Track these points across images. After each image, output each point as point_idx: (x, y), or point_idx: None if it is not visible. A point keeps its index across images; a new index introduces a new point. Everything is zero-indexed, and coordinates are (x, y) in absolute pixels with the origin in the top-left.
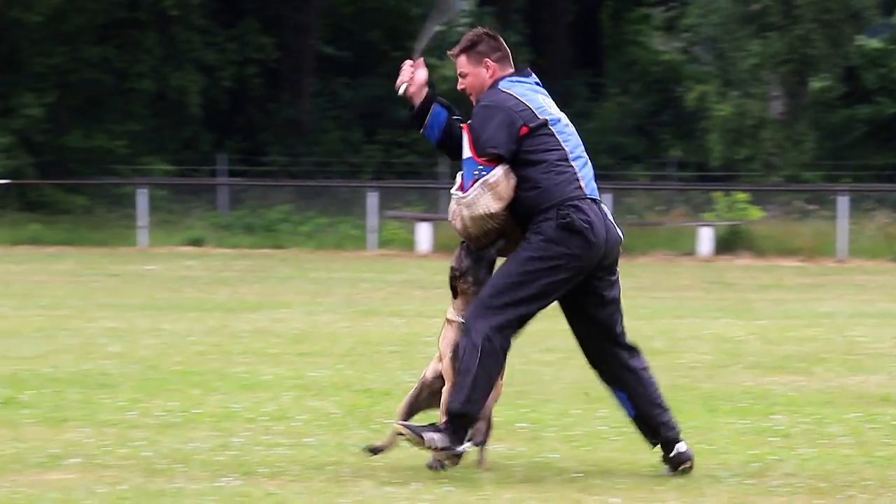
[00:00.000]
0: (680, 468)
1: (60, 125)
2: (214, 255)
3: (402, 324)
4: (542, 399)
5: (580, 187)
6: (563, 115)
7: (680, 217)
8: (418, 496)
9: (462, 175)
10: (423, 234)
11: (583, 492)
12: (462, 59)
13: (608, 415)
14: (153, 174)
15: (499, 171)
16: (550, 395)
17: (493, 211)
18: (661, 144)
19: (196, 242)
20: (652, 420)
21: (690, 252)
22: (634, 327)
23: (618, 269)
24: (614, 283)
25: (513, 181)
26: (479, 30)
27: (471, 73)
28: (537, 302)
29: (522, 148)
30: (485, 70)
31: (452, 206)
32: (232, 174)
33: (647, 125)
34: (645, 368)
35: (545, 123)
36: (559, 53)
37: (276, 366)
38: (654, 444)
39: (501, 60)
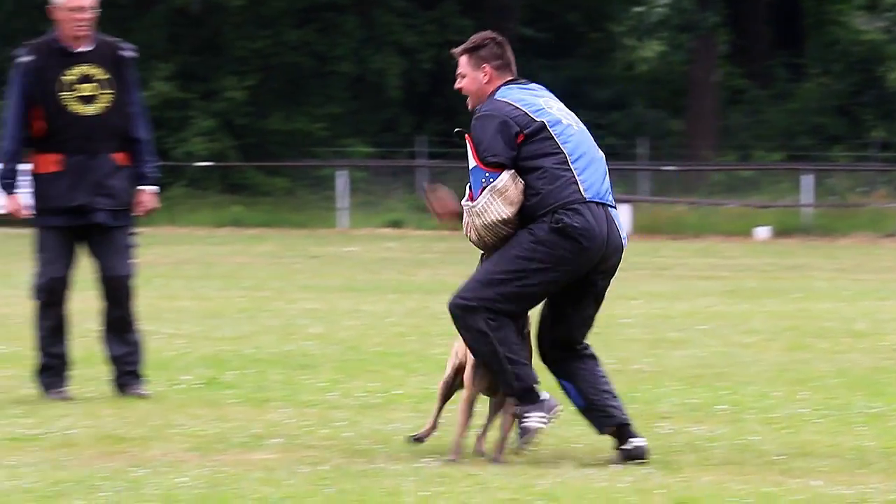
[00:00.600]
0: (633, 461)
1: (262, 108)
2: (414, 237)
3: (602, 305)
4: (742, 381)
5: (579, 191)
6: (566, 115)
7: (882, 198)
8: (617, 478)
9: (470, 185)
10: (623, 216)
11: (784, 474)
12: (463, 59)
13: (809, 397)
14: (353, 156)
15: (506, 176)
16: (750, 378)
17: (505, 217)
18: (864, 125)
19: (395, 224)
20: (601, 404)
21: (893, 233)
22: (835, 309)
23: (615, 273)
24: (606, 286)
25: (521, 185)
26: (488, 34)
27: (468, 75)
28: (521, 302)
29: (521, 155)
30: (482, 75)
31: (465, 218)
32: (431, 156)
33: (848, 106)
34: (596, 359)
35: (543, 126)
36: (759, 34)
37: None
38: (606, 430)
39: (501, 68)
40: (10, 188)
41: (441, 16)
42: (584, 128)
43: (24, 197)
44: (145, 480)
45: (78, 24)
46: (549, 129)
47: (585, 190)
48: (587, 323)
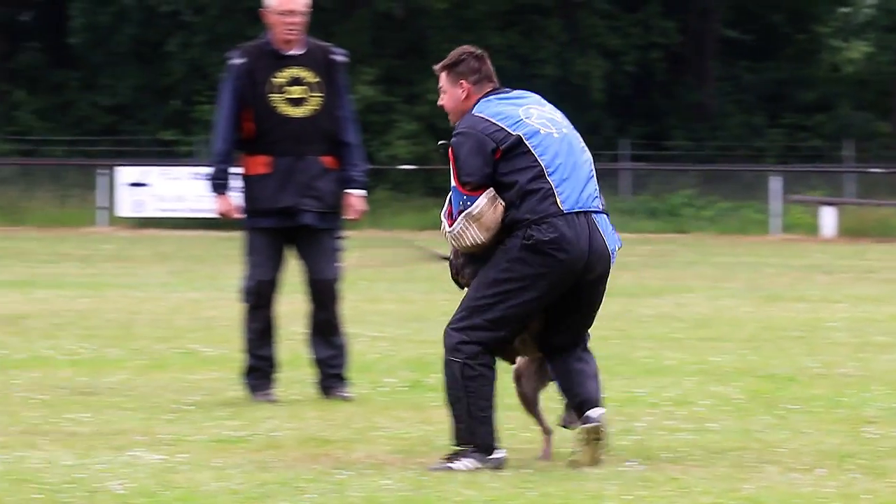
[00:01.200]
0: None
1: None
2: None
3: (806, 309)
4: None
5: (555, 203)
6: (546, 123)
7: None
8: (822, 483)
9: (451, 201)
10: (828, 218)
11: None
12: (443, 76)
13: None
14: None
15: (482, 202)
16: None
17: (480, 241)
18: None
19: None
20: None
21: None
22: None
23: (606, 280)
24: (600, 293)
25: (500, 208)
26: (465, 49)
27: (448, 92)
28: (510, 324)
29: (498, 171)
30: (460, 90)
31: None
32: (634, 159)
33: None
34: (587, 362)
35: (519, 140)
36: None
37: (679, 350)
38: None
39: (479, 82)
40: (220, 189)
41: (645, 18)
42: (570, 131)
43: (234, 199)
44: (349, 483)
45: (289, 28)
46: (526, 142)
47: (563, 202)
48: (586, 326)
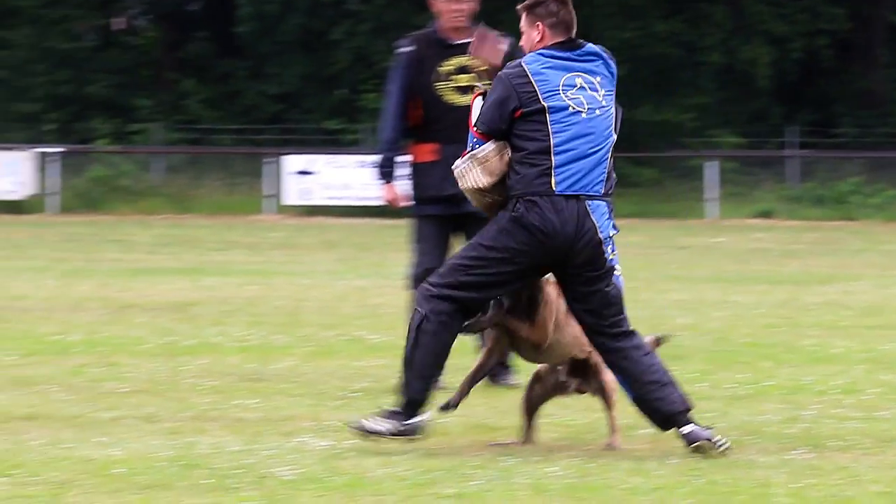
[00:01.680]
0: (693, 448)
1: (630, 99)
2: (783, 228)
3: None
4: None
5: (549, 182)
6: (582, 100)
7: None
8: None
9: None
10: None
11: None
12: (523, 16)
13: None
14: (721, 147)
15: (489, 147)
16: None
17: (482, 185)
18: None
19: (765, 214)
20: (648, 398)
21: None
22: None
23: (601, 268)
24: (593, 280)
25: (507, 157)
26: None
27: (525, 32)
28: (484, 290)
29: (514, 130)
30: (536, 33)
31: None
32: (802, 146)
33: None
34: (637, 347)
35: (542, 111)
36: None
37: (847, 339)
38: (663, 428)
39: (554, 26)
40: (387, 177)
41: (812, 4)
42: (604, 112)
43: (401, 187)
44: (515, 469)
45: (456, 16)
46: (547, 115)
47: (557, 182)
48: (602, 318)
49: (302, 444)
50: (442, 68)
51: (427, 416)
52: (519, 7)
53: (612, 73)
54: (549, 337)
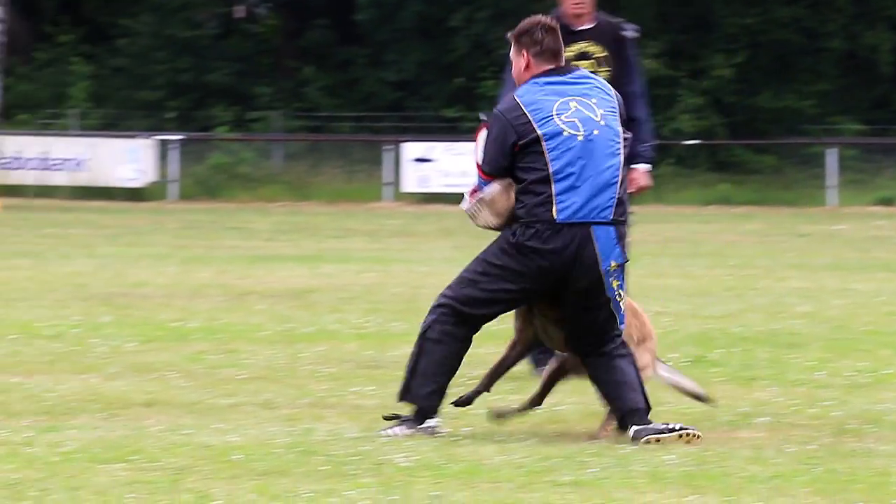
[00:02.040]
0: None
1: (750, 85)
2: None
3: None
4: None
5: (550, 210)
6: (577, 123)
7: None
8: None
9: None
10: None
11: None
12: (511, 45)
13: None
14: (842, 134)
15: (495, 187)
16: None
17: (493, 225)
18: None
19: (886, 202)
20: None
21: None
22: None
23: (597, 298)
24: (587, 309)
25: (513, 195)
26: (537, 19)
27: (514, 61)
28: (487, 306)
29: (516, 164)
30: (522, 61)
31: None
32: None
33: None
34: (618, 356)
35: (537, 140)
36: None
37: None
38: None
39: (540, 55)
40: None
41: None
42: (603, 131)
43: None
44: (632, 457)
45: (577, 3)
46: (542, 144)
47: (559, 210)
48: (597, 337)
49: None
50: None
51: (436, 421)
52: (507, 35)
53: (610, 94)
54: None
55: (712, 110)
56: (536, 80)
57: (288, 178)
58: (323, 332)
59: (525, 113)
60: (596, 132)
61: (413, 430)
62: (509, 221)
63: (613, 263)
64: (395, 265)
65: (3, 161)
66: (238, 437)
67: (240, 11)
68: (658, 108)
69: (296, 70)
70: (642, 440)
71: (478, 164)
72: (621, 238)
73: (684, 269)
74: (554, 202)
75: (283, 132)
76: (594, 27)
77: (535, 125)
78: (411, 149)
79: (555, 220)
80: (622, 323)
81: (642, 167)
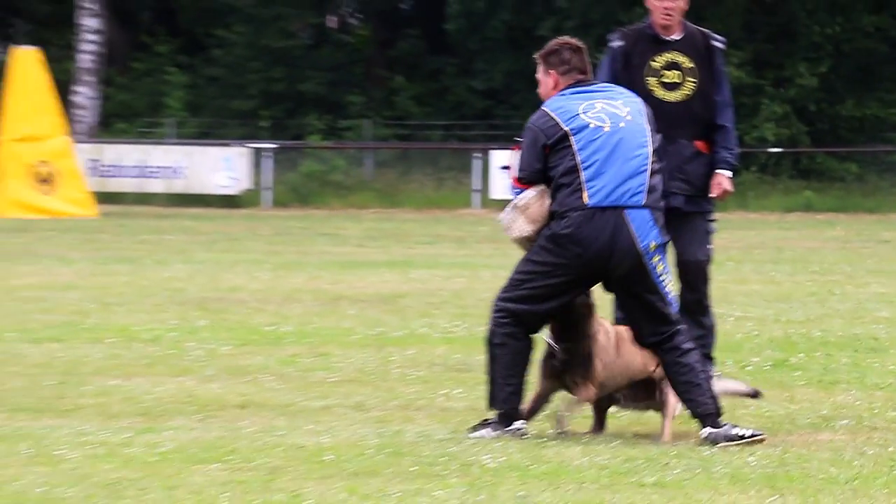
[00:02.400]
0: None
1: (834, 94)
2: None
3: None
4: None
5: (581, 197)
6: (604, 117)
7: None
8: None
9: None
10: None
11: None
12: (539, 65)
13: None
14: None
15: (530, 194)
16: None
17: (526, 234)
18: None
19: None
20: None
21: None
22: None
23: (643, 279)
24: (636, 293)
25: (547, 202)
26: (561, 40)
27: (541, 80)
28: (536, 303)
29: (548, 164)
30: (550, 80)
31: None
32: None
33: None
34: (674, 349)
35: (565, 136)
36: None
37: None
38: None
39: (567, 73)
40: None
41: None
42: (630, 125)
43: None
44: (714, 459)
45: (666, 14)
46: (571, 138)
47: (590, 196)
48: (650, 319)
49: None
50: (652, 63)
51: (521, 423)
52: (535, 56)
53: (636, 100)
54: (594, 395)
55: (796, 118)
56: (562, 92)
57: (378, 185)
58: (412, 335)
59: (552, 116)
60: (622, 125)
61: (499, 432)
62: (538, 234)
63: (653, 244)
64: (483, 271)
65: (102, 169)
66: (330, 439)
67: (332, 22)
68: (742, 117)
69: (387, 79)
70: (718, 445)
71: (513, 178)
72: (657, 221)
73: (767, 275)
74: (584, 188)
75: (374, 140)
76: (683, 37)
77: (562, 124)
78: (499, 157)
79: (586, 205)
80: (674, 306)
81: (725, 173)
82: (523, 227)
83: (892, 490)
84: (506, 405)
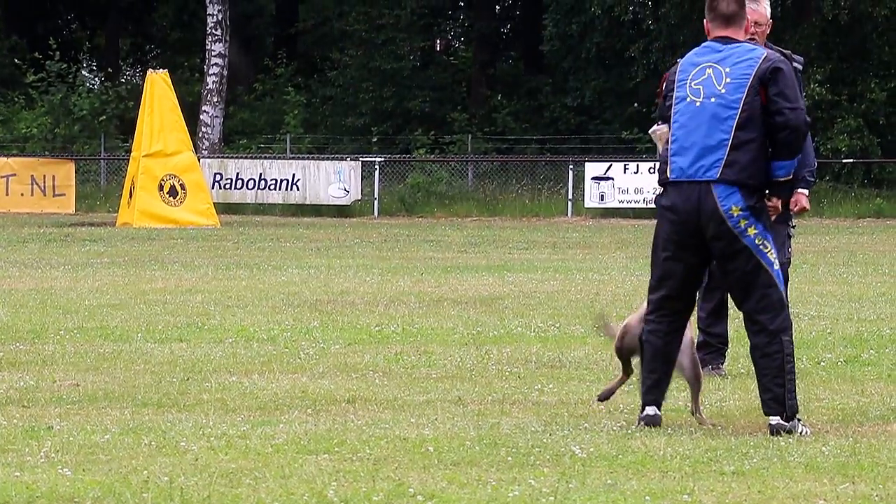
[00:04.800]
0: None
1: None
2: None
3: None
4: None
5: (666, 171)
6: (700, 89)
7: None
8: None
9: None
10: None
11: None
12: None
13: None
14: None
15: (665, 127)
16: None
17: (660, 151)
18: None
19: None
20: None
21: None
22: None
23: (731, 243)
24: (726, 257)
25: None
26: None
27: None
28: (665, 282)
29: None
30: (706, 26)
31: None
32: None
33: None
34: (756, 347)
35: (670, 103)
36: None
37: None
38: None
39: (713, 20)
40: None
41: None
42: (721, 98)
43: None
44: (790, 449)
45: (749, 36)
46: (673, 107)
47: (672, 171)
48: (742, 295)
49: (595, 424)
50: None
51: (652, 410)
52: None
53: (752, 62)
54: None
55: (867, 131)
56: (705, 44)
57: (479, 195)
58: (509, 334)
59: (676, 73)
60: (713, 100)
61: (642, 421)
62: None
63: (734, 207)
64: (576, 274)
65: (225, 182)
66: (431, 431)
67: (438, 45)
68: (818, 130)
69: (487, 97)
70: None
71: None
72: (741, 189)
73: (840, 277)
74: (669, 162)
75: (475, 154)
76: None
77: (675, 86)
78: (591, 168)
79: (669, 179)
80: (780, 280)
81: (803, 191)
82: (660, 147)
83: None
84: (644, 398)
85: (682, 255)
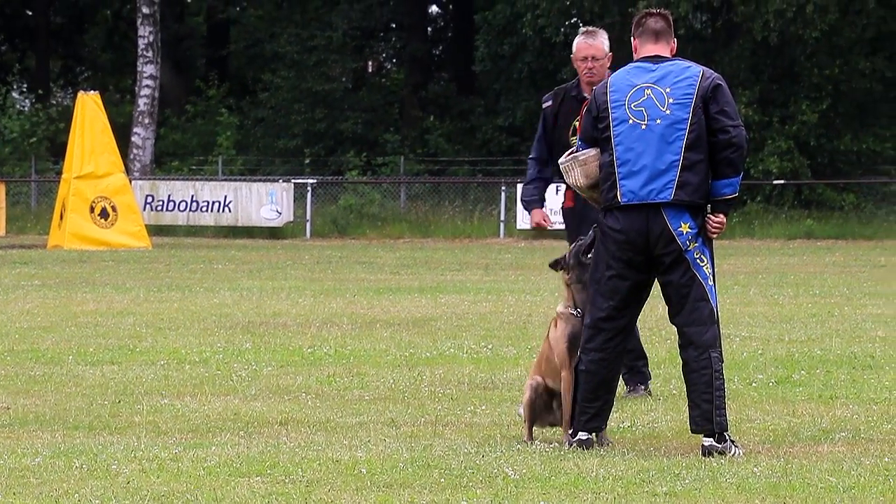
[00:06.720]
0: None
1: (833, 130)
2: None
3: None
4: None
5: (616, 195)
6: (641, 111)
7: None
8: None
9: None
10: None
11: None
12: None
13: None
14: None
15: (591, 151)
16: None
17: (580, 185)
18: None
19: None
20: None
21: None
22: None
23: (681, 260)
24: (668, 267)
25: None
26: (649, 10)
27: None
28: (608, 301)
29: (599, 136)
30: (633, 44)
31: None
32: None
33: None
34: (685, 363)
35: (607, 125)
36: None
37: None
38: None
39: (640, 36)
40: (527, 206)
41: None
42: (667, 120)
43: (544, 212)
44: (722, 470)
45: (589, 72)
46: (611, 129)
47: (622, 195)
48: (687, 316)
49: (526, 445)
50: (577, 123)
51: (585, 436)
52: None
53: (688, 82)
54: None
55: (798, 153)
56: (635, 62)
57: (412, 217)
58: (442, 356)
59: (607, 92)
60: (658, 121)
61: (570, 442)
62: (594, 190)
63: (684, 225)
64: (508, 295)
65: (157, 204)
66: (364, 453)
67: (370, 66)
68: (749, 151)
69: (420, 119)
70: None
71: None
72: (690, 210)
73: (771, 298)
74: (618, 187)
75: (408, 175)
76: None
77: (610, 107)
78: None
79: (619, 203)
80: (713, 296)
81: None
82: (578, 179)
83: (888, 498)
84: (578, 422)
85: (627, 273)
